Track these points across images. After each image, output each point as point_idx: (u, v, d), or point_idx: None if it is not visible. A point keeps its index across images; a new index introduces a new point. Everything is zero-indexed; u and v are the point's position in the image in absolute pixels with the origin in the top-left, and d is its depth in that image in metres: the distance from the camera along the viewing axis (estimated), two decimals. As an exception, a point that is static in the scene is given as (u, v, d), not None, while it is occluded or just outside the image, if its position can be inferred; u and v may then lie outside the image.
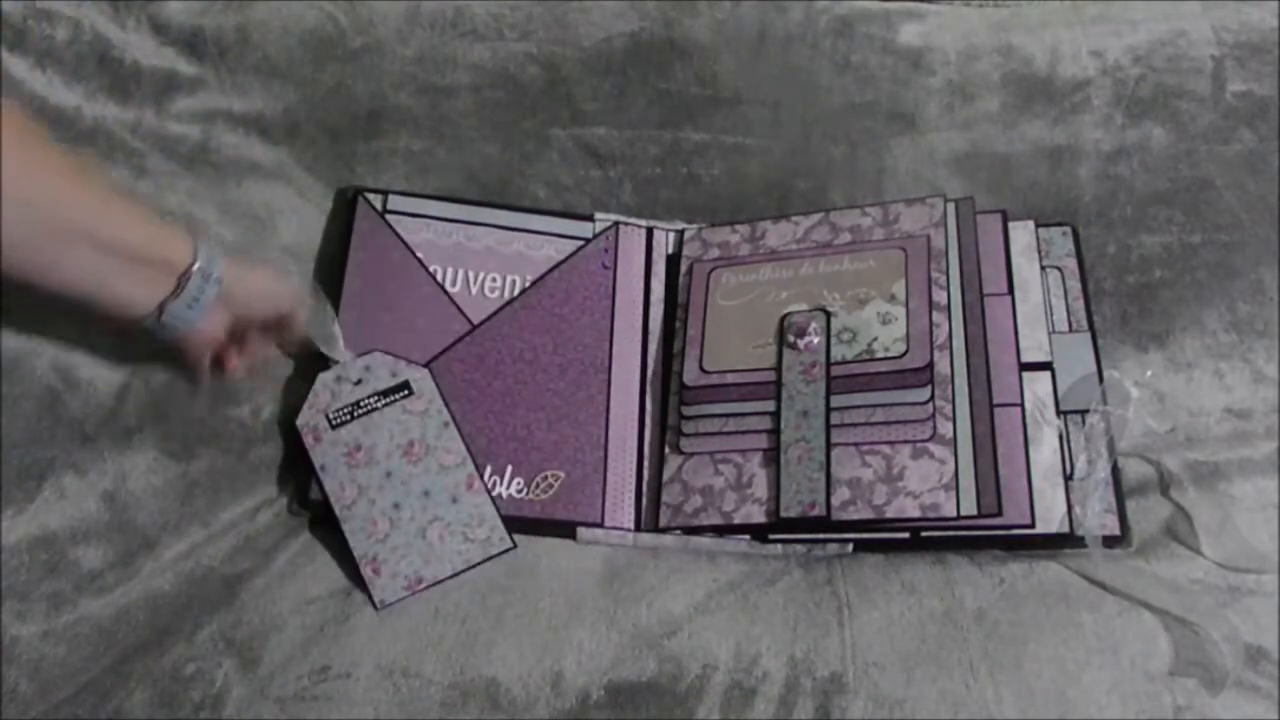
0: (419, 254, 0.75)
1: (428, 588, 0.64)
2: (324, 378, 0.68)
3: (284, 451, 0.71)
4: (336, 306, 0.71)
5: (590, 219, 0.78)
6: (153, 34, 0.69)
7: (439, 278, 0.74)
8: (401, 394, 0.68)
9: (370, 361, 0.69)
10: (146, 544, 0.62)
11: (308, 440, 0.67)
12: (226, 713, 0.57)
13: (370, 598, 0.63)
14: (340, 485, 0.66)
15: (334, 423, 0.67)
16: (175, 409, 0.64)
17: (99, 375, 0.60)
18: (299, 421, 0.67)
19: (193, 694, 0.58)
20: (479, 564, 0.66)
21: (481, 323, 0.74)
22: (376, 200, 0.76)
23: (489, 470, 0.70)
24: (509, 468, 0.70)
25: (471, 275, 0.75)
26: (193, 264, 0.54)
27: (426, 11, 0.76)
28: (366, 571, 0.64)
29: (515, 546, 0.67)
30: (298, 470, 0.69)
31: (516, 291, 0.75)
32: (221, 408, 0.67)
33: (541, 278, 0.75)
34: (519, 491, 0.70)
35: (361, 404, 0.68)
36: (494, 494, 0.69)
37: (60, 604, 0.57)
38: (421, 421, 0.68)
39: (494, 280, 0.75)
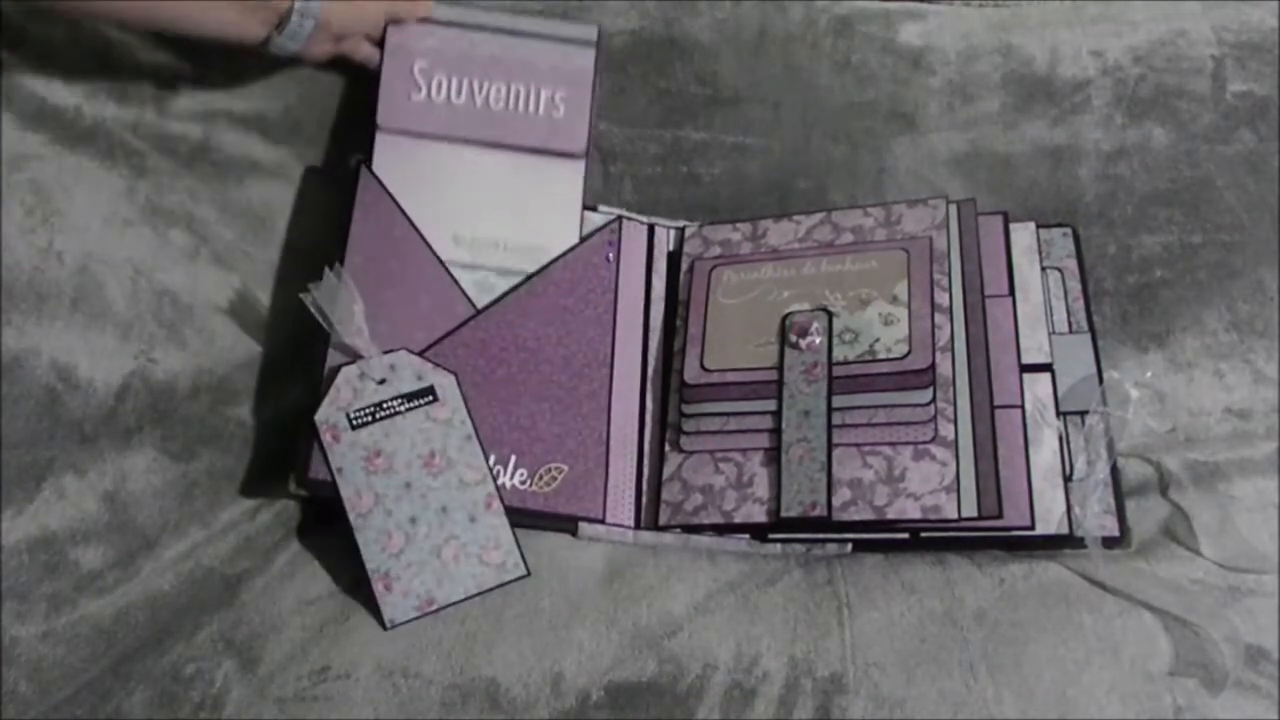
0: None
1: (439, 610, 0.63)
2: (347, 373, 0.66)
3: (277, 447, 0.71)
4: None
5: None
6: (152, 33, 0.69)
7: (444, 90, 0.75)
8: (426, 399, 0.66)
9: (395, 360, 0.67)
10: (146, 544, 0.62)
11: (326, 438, 0.65)
12: (226, 713, 0.57)
13: (380, 616, 0.62)
14: (357, 492, 0.64)
15: (355, 423, 0.65)
16: (175, 409, 0.64)
17: (99, 375, 0.60)
18: (318, 417, 0.65)
19: (193, 694, 0.58)
20: (492, 589, 0.64)
21: (485, 307, 0.73)
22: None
23: (493, 459, 0.69)
24: (513, 457, 0.70)
25: (476, 85, 0.75)
26: (291, 5, 0.63)
27: (426, 10, 0.76)
28: (378, 587, 0.63)
29: (529, 574, 0.65)
30: (295, 457, 0.68)
31: (519, 103, 0.76)
32: (221, 408, 0.67)
33: (546, 267, 0.75)
34: (523, 482, 0.70)
35: (384, 405, 0.66)
36: (498, 483, 0.67)
37: (60, 604, 0.57)
38: (444, 431, 0.66)
39: (499, 90, 0.75)
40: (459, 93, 0.74)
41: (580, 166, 0.75)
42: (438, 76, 0.74)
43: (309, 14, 0.64)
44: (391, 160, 0.73)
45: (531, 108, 0.75)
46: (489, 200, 0.74)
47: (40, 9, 0.60)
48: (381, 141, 0.74)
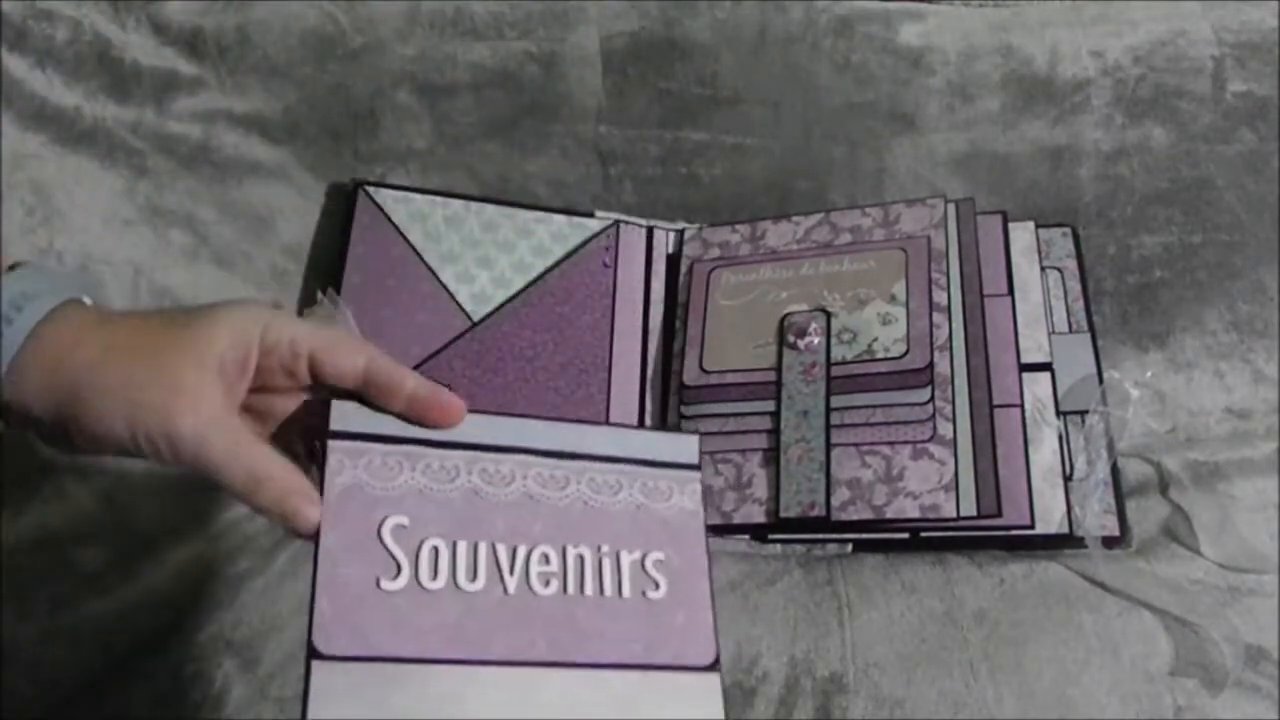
0: (418, 247, 0.74)
1: None
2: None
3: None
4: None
5: (590, 215, 0.78)
6: (153, 34, 0.69)
7: (444, 566, 0.43)
8: None
9: None
10: (146, 544, 0.62)
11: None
12: (226, 713, 0.57)
13: None
14: None
15: None
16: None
17: (99, 375, 0.60)
18: None
19: (193, 694, 0.58)
20: None
21: (481, 320, 0.74)
22: (377, 193, 0.75)
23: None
24: None
25: (502, 553, 0.41)
26: None
27: (426, 10, 0.76)
28: None
29: None
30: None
31: (586, 578, 0.43)
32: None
33: (542, 275, 0.75)
34: (518, 491, 0.69)
35: None
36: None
37: (60, 604, 0.57)
38: None
39: (545, 559, 0.42)
40: (472, 570, 0.39)
41: (711, 681, 0.41)
42: (431, 541, 0.39)
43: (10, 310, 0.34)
44: (348, 710, 0.35)
45: (608, 585, 0.41)
46: None
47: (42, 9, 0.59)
48: (324, 676, 0.35)
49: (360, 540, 0.38)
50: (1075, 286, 0.75)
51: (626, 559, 0.42)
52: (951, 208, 0.74)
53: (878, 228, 0.74)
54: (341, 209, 0.76)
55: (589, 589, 0.41)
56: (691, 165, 0.81)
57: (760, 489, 0.67)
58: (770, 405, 0.69)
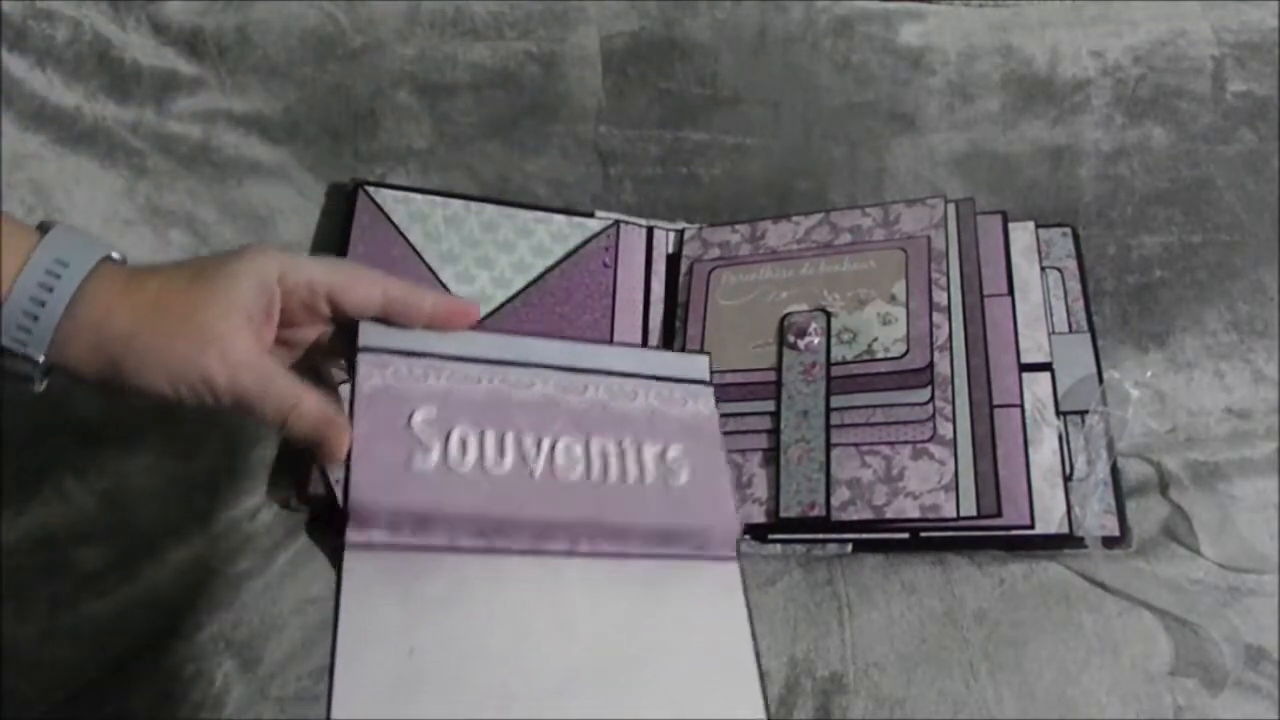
0: (418, 247, 0.74)
1: None
2: (341, 391, 0.67)
3: (276, 448, 0.71)
4: None
5: (590, 215, 0.78)
6: (153, 34, 0.69)
7: (473, 450, 0.44)
8: None
9: None
10: (146, 544, 0.62)
11: None
12: (226, 713, 0.57)
13: None
14: None
15: None
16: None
17: (99, 375, 0.60)
18: None
19: (193, 694, 0.58)
20: None
21: (481, 320, 0.73)
22: (377, 193, 0.75)
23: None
24: None
25: (529, 441, 0.43)
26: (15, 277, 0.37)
27: (426, 10, 0.76)
28: None
29: None
30: (295, 467, 0.69)
31: (609, 466, 0.44)
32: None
33: (542, 275, 0.75)
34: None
35: None
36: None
37: (60, 604, 0.57)
38: None
39: (570, 448, 0.44)
40: (500, 453, 0.41)
41: (732, 571, 0.43)
42: (460, 429, 0.41)
43: (36, 291, 0.37)
44: (380, 597, 0.37)
45: (631, 472, 0.42)
46: (576, 655, 0.38)
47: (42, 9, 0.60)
48: (357, 563, 0.37)
49: (391, 428, 0.40)
50: (1075, 286, 0.75)
51: (649, 450, 0.43)
52: (951, 208, 0.74)
53: (878, 228, 0.74)
54: (341, 209, 0.76)
55: (613, 475, 0.42)
56: (691, 165, 0.81)
57: (760, 489, 0.67)
58: (770, 405, 0.69)
